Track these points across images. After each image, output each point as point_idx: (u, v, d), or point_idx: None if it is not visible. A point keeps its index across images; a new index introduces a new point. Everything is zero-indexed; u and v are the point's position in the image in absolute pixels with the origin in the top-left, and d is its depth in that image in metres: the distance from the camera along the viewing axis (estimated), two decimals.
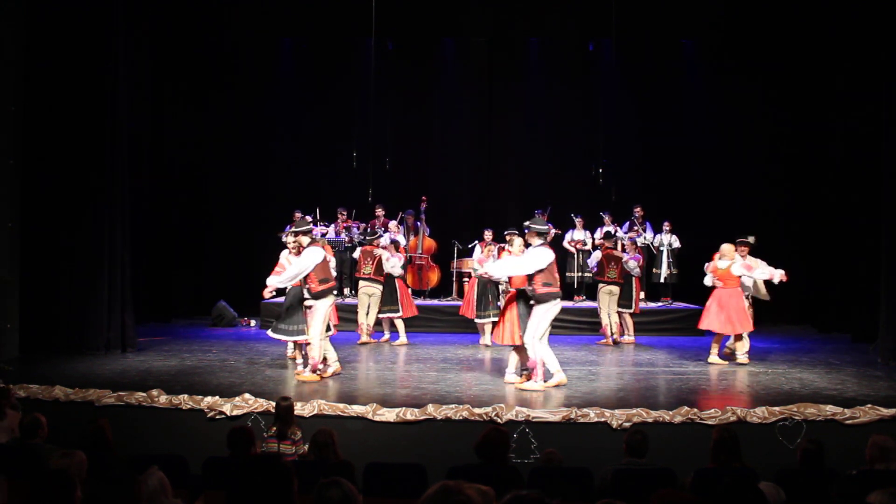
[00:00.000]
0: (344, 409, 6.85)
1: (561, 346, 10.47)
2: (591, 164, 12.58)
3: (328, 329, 8.57)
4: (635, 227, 13.31)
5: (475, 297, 10.91)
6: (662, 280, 13.21)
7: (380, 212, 13.17)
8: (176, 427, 6.93)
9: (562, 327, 11.61)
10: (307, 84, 14.66)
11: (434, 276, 13.59)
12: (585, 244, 13.26)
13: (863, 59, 11.34)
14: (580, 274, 13.29)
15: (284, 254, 9.25)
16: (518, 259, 8.24)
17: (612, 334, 11.21)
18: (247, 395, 7.10)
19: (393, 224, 12.78)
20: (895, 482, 3.71)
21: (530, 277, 7.88)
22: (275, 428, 5.91)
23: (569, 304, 12.51)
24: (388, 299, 10.94)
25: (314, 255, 8.25)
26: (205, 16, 13.44)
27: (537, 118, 14.79)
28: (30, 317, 9.68)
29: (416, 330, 11.58)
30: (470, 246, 12.62)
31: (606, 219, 13.11)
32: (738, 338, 9.61)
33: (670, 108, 14.41)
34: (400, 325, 11.06)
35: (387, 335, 11.23)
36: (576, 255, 13.35)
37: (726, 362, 9.52)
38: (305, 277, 8.30)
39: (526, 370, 8.09)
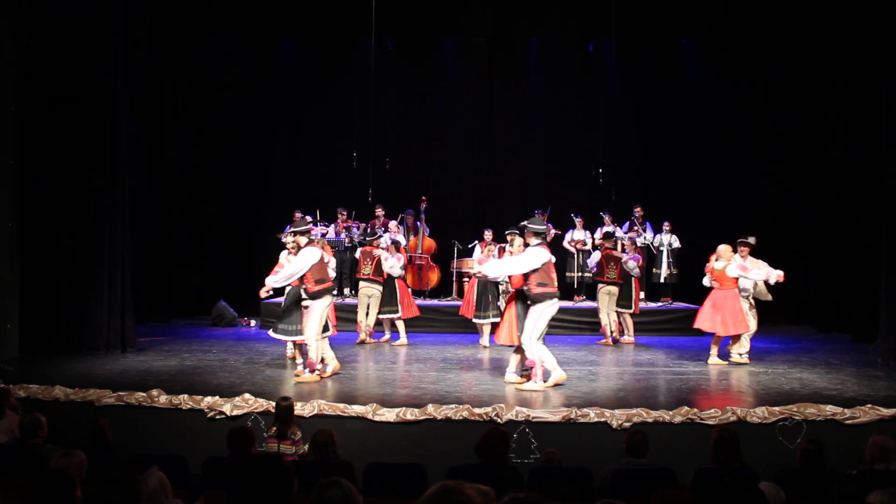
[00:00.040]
0: (344, 409, 6.85)
1: (561, 346, 10.48)
2: (591, 164, 12.57)
3: (327, 330, 8.57)
4: (635, 227, 13.30)
5: (475, 297, 10.93)
6: (662, 280, 13.21)
7: (380, 212, 13.16)
8: (176, 427, 6.94)
9: (562, 327, 11.64)
10: (307, 84, 14.66)
11: (434, 277, 13.58)
12: (585, 244, 13.25)
13: (863, 59, 11.32)
14: (580, 274, 13.28)
15: (284, 254, 9.26)
16: (513, 258, 8.26)
17: (612, 333, 11.22)
18: (247, 395, 7.11)
19: (393, 224, 12.77)
20: (895, 482, 3.71)
21: (526, 277, 7.88)
22: (275, 428, 5.92)
23: (569, 304, 12.51)
24: (388, 300, 10.94)
25: (310, 256, 8.26)
26: (205, 16, 13.45)
27: (537, 118, 14.78)
28: (30, 317, 9.68)
29: (416, 330, 11.58)
30: (470, 246, 12.61)
31: (606, 219, 13.10)
32: (736, 339, 9.62)
33: (670, 109, 14.41)
34: (400, 325, 11.07)
35: (387, 335, 11.24)
36: (576, 256, 13.34)
37: (726, 362, 9.52)
38: (302, 277, 8.30)
39: (526, 370, 8.08)
